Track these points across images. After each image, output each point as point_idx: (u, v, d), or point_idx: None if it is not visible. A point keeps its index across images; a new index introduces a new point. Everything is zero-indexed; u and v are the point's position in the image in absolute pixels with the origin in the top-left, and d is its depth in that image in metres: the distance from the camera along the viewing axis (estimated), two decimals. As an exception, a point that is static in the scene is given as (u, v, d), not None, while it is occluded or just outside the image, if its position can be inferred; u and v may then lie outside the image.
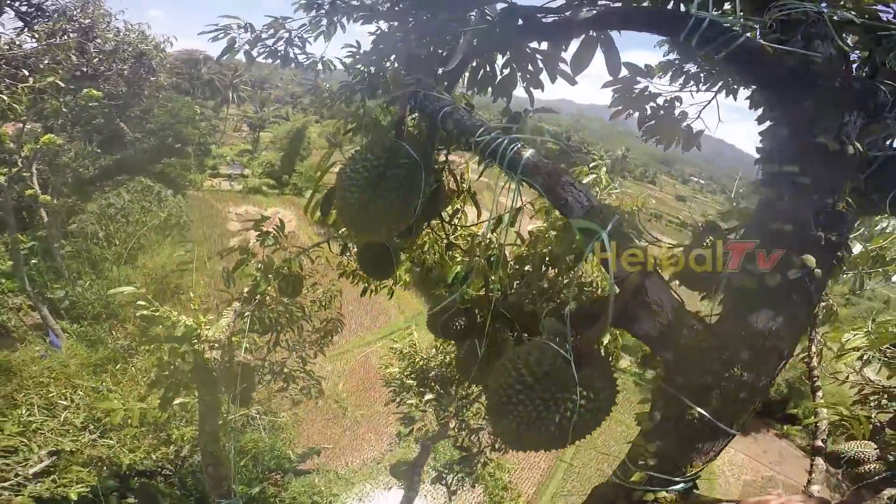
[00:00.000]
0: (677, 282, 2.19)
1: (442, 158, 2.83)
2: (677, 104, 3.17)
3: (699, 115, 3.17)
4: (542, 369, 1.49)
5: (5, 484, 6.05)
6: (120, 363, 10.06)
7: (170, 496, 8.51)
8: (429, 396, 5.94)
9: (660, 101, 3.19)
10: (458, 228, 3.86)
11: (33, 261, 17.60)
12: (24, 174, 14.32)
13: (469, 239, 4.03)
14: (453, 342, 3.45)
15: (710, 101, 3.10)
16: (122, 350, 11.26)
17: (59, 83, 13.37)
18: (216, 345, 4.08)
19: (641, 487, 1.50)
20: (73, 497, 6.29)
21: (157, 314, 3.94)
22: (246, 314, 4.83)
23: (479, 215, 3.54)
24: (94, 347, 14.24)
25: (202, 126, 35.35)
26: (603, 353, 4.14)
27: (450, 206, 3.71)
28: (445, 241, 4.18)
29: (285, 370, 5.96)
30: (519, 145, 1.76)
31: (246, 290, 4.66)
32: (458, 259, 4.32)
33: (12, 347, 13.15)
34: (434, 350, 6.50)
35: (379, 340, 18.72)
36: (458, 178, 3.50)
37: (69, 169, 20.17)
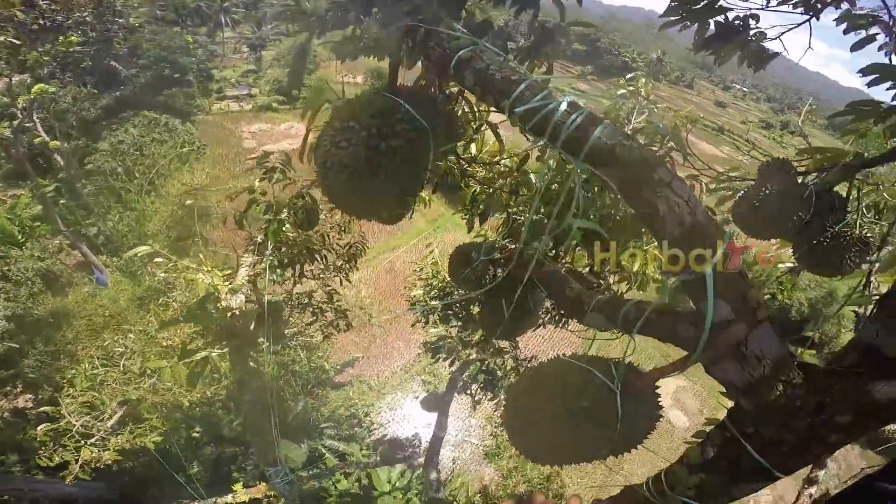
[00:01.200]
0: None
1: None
2: (753, 22, 2.50)
3: (779, 37, 2.50)
4: (580, 404, 1.30)
5: (92, 440, 6.19)
6: (161, 297, 10.21)
7: (229, 421, 9.03)
8: (454, 322, 5.86)
9: (731, 15, 2.50)
10: (474, 161, 3.52)
11: (62, 201, 17.69)
12: (27, 124, 14.28)
13: (487, 167, 3.72)
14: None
15: (802, 23, 2.39)
16: (161, 283, 11.41)
17: (14, 41, 13.26)
18: (237, 297, 4.00)
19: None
20: (151, 446, 6.47)
21: (175, 272, 3.81)
22: (264, 258, 4.69)
23: (501, 150, 3.17)
24: (137, 280, 14.56)
25: (198, 53, 33.80)
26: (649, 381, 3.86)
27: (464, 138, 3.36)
28: (460, 171, 3.87)
29: (313, 302, 5.89)
30: (583, 115, 1.21)
31: (259, 236, 4.50)
32: (474, 187, 4.04)
33: (63, 292, 13.49)
34: None
35: (402, 245, 18.61)
36: (475, 107, 3.10)
37: (70, 113, 19.99)
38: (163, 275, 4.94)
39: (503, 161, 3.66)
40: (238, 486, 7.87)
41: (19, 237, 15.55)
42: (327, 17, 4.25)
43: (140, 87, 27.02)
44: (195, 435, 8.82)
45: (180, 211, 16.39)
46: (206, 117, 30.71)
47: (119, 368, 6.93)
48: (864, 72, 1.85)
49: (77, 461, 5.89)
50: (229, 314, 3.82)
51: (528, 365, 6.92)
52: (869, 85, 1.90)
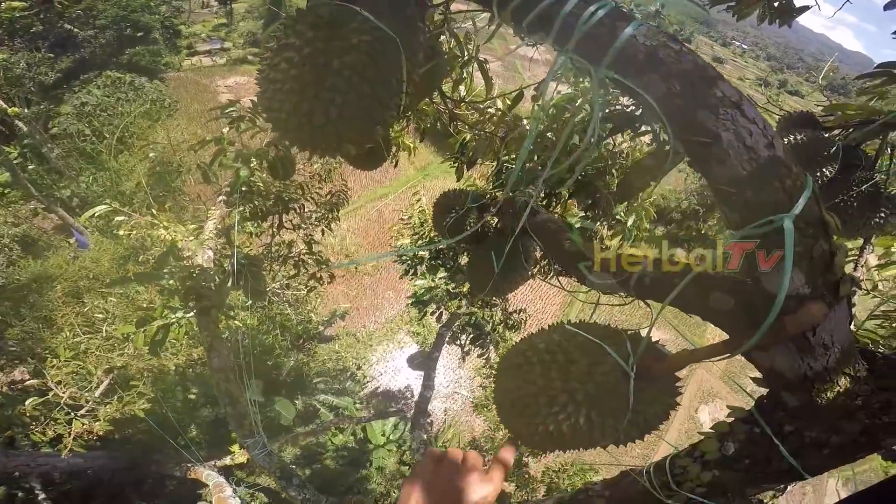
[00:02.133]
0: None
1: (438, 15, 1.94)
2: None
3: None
4: (585, 388, 1.03)
5: (82, 411, 5.97)
6: (141, 255, 9.81)
7: None
8: (442, 273, 5.62)
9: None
10: (462, 101, 3.21)
11: (30, 167, 16.97)
12: None
13: (476, 110, 3.42)
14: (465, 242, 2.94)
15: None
16: (140, 242, 10.98)
17: None
18: (204, 252, 3.70)
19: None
20: (141, 413, 6.22)
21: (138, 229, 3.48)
22: (235, 210, 4.39)
23: (489, 88, 2.85)
24: (119, 239, 14.02)
25: (161, 10, 31.93)
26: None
27: (451, 76, 3.03)
28: (447, 113, 3.56)
29: (292, 254, 5.58)
30: (606, 7, 0.88)
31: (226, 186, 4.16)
32: (465, 132, 3.75)
33: (43, 256, 12.97)
34: None
35: (391, 193, 18.15)
36: (462, 41, 2.76)
37: (27, 78, 19.24)
38: (121, 233, 4.60)
39: (494, 103, 3.38)
40: (235, 448, 7.81)
41: (-11, 205, 14.81)
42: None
43: (100, 48, 25.52)
44: (191, 397, 8.70)
45: (158, 168, 15.75)
46: (177, 74, 29.35)
47: (102, 335, 6.61)
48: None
49: (70, 434, 5.68)
50: (194, 272, 3.51)
51: (517, 317, 6.75)
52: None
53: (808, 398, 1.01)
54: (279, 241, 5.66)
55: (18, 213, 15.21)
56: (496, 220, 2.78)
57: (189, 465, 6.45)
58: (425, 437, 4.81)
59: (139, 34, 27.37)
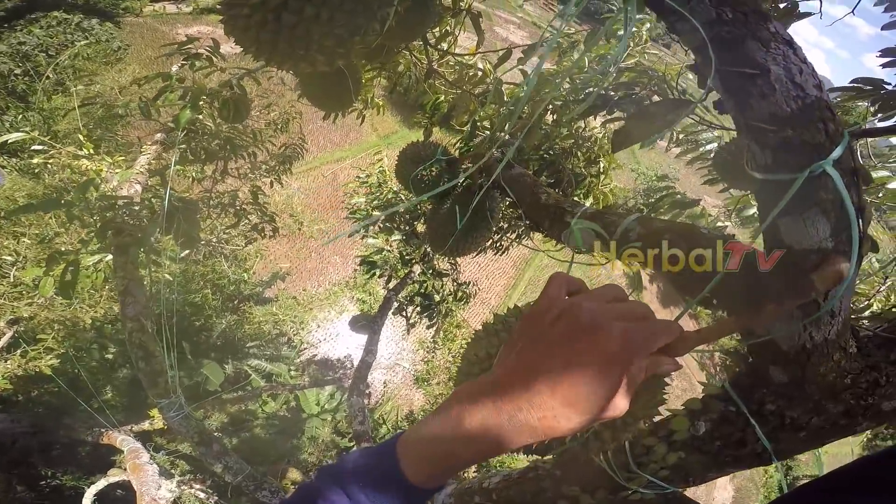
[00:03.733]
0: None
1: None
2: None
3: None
4: None
5: None
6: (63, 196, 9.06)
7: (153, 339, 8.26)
8: (396, 236, 5.46)
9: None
10: (447, 54, 3.06)
11: None
12: None
13: (457, 68, 3.27)
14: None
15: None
16: (63, 183, 10.19)
17: None
18: (132, 186, 3.40)
19: (637, 489, 1.15)
20: (47, 371, 5.66)
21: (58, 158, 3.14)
22: (175, 148, 4.08)
23: (479, 42, 2.72)
24: (39, 178, 13.00)
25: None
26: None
27: (439, 27, 2.88)
28: (426, 66, 3.40)
29: (236, 203, 5.26)
30: None
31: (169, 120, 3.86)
32: (441, 90, 3.61)
33: (-51, 194, 11.81)
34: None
35: (349, 157, 17.57)
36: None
37: None
38: (35, 160, 4.19)
39: (476, 62, 3.26)
40: (154, 412, 7.43)
41: None
42: None
43: None
44: (108, 356, 8.13)
45: (100, 111, 14.60)
46: (135, 19, 27.19)
47: (8, 280, 5.98)
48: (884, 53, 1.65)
49: None
50: (116, 203, 3.19)
51: (468, 289, 6.71)
52: (884, 66, 1.74)
53: (799, 374, 0.96)
54: (222, 189, 5.30)
55: None
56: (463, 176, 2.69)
57: (103, 430, 6.07)
58: (364, 402, 4.70)
59: (97, -27, 25.06)
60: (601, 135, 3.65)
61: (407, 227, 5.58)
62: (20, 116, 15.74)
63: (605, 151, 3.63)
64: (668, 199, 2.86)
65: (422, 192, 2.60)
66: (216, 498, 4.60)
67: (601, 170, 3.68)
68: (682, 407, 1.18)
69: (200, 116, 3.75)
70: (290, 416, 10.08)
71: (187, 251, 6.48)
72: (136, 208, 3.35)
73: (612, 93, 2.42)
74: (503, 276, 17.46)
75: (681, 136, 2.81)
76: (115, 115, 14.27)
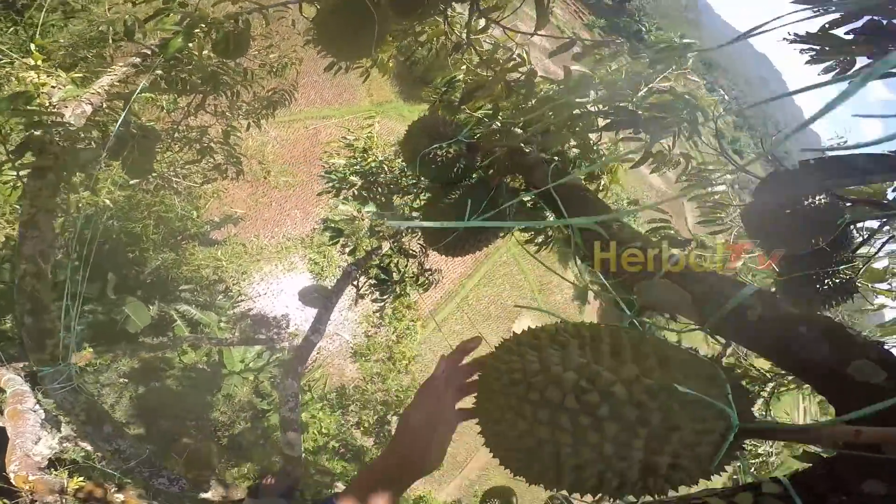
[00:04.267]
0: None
1: None
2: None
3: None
4: None
5: None
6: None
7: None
8: (370, 207, 4.99)
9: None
10: (487, 28, 2.65)
11: None
12: None
13: (490, 48, 2.87)
14: (430, 179, 2.45)
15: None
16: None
17: None
18: (80, 105, 2.84)
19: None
20: None
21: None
22: (149, 73, 3.61)
23: (540, 24, 2.29)
24: None
25: None
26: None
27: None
28: (456, 38, 3.00)
29: (204, 139, 4.77)
30: None
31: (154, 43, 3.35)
32: (464, 68, 3.19)
33: None
34: (394, 154, 5.45)
35: (336, 117, 16.74)
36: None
37: None
38: None
39: (514, 46, 2.86)
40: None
41: None
42: None
43: None
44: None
45: (91, 30, 13.19)
46: None
47: None
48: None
49: None
50: (45, 119, 2.63)
51: (432, 277, 6.33)
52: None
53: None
54: (193, 124, 4.89)
55: None
56: (484, 164, 2.33)
57: None
58: (297, 386, 4.23)
59: None
60: (609, 150, 3.36)
61: (384, 200, 5.16)
62: (10, 29, 14.15)
63: (610, 168, 3.35)
64: (660, 232, 2.66)
65: (429, 172, 2.22)
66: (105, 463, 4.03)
67: (600, 187, 3.39)
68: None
69: (191, 45, 3.30)
70: (210, 370, 9.43)
71: (136, 180, 5.87)
72: (73, 129, 2.78)
73: (640, 112, 2.12)
74: (461, 264, 17.25)
75: (690, 171, 2.61)
76: (104, 36, 12.90)
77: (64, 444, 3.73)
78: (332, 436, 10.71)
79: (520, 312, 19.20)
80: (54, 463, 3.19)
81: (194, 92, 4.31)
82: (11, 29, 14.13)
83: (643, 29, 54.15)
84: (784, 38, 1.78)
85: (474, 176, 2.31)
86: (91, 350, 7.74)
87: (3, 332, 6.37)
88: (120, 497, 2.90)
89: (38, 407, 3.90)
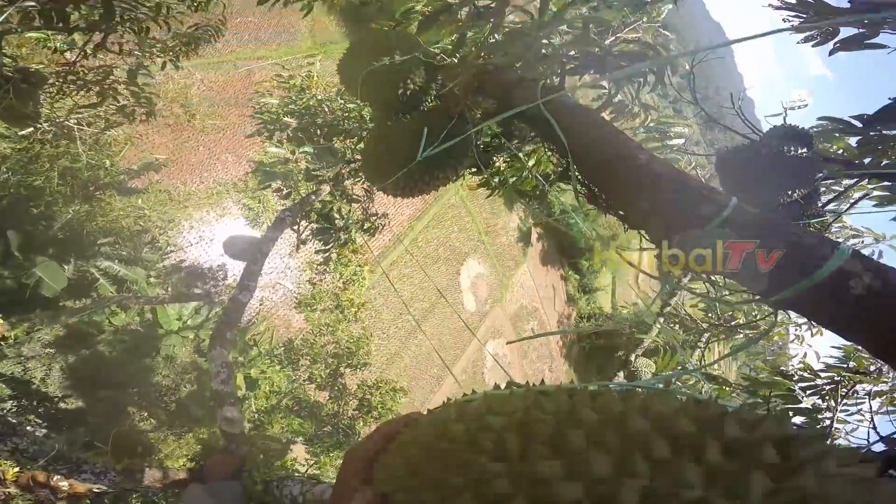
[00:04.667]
0: None
1: None
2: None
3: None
4: None
5: None
6: None
7: None
8: (307, 148, 4.42)
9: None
10: None
11: None
12: None
13: None
14: (375, 106, 1.98)
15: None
16: None
17: None
18: None
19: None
20: None
21: None
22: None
23: None
24: None
25: None
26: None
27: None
28: None
29: (106, 81, 4.03)
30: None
31: None
32: None
33: None
34: (335, 93, 4.79)
35: (273, 58, 15.17)
36: None
37: None
38: None
39: None
40: None
41: None
42: None
43: None
44: None
45: None
46: None
47: None
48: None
49: None
50: None
51: (377, 221, 5.87)
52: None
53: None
54: (93, 65, 4.18)
55: None
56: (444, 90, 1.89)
57: None
58: (227, 354, 3.72)
59: None
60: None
61: (322, 141, 4.56)
62: None
63: None
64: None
65: (375, 94, 1.77)
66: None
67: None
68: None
69: None
70: (144, 331, 8.69)
71: (24, 131, 5.02)
72: None
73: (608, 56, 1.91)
74: (410, 206, 16.79)
75: (650, 124, 2.62)
76: None
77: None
78: (284, 393, 10.33)
79: (467, 255, 19.11)
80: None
81: (91, 29, 3.66)
82: None
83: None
84: (769, 5, 1.73)
85: (429, 102, 1.89)
86: (2, 321, 6.93)
87: None
88: (65, 484, 2.56)
89: None
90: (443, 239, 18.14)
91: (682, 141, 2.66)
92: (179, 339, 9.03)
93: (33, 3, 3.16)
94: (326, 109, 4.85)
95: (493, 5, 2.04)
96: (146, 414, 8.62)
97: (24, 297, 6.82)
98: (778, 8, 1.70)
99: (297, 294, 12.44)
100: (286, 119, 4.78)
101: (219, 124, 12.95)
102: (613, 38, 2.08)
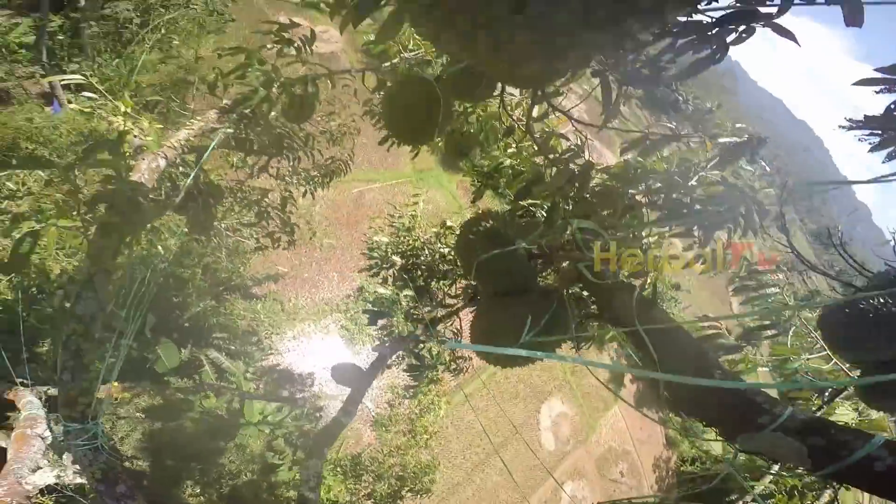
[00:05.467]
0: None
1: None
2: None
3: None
4: None
5: None
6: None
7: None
8: (408, 292, 4.82)
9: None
10: (548, 118, 2.48)
11: (59, 37, 15.31)
12: None
13: (545, 135, 2.68)
14: (484, 286, 2.20)
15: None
16: (108, 131, 9.62)
17: None
18: (155, 158, 2.78)
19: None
20: None
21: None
22: (222, 128, 3.60)
23: (608, 115, 2.10)
24: (90, 118, 12.46)
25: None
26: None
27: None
28: (508, 122, 2.83)
29: (263, 203, 4.77)
30: None
31: (231, 100, 3.39)
32: (510, 151, 3.02)
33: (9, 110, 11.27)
34: (435, 237, 5.32)
35: (380, 181, 16.98)
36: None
37: None
38: (73, 106, 3.71)
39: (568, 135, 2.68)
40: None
41: (-8, 56, 13.32)
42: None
43: None
44: (68, 304, 7.19)
45: (179, 72, 14.27)
46: None
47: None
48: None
49: None
50: (123, 175, 2.56)
51: (462, 364, 6.00)
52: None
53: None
54: (254, 185, 4.98)
55: (13, 71, 13.61)
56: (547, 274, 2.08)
57: (16, 382, 5.20)
58: (320, 465, 3.85)
59: (235, -53, 25.58)
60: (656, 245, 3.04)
61: (423, 284, 4.97)
62: (115, 61, 15.45)
63: (657, 264, 3.02)
64: (713, 339, 2.45)
65: (489, 282, 1.98)
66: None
67: (646, 284, 3.03)
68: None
69: (265, 104, 3.35)
70: (228, 418, 9.09)
71: (193, 236, 5.92)
72: (149, 187, 2.71)
73: (692, 205, 1.98)
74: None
75: (743, 273, 2.54)
76: (186, 80, 13.94)
77: (61, 478, 3.47)
78: (340, 503, 10.04)
79: (549, 394, 18.22)
80: (43, 490, 2.95)
81: (262, 154, 4.36)
82: (115, 61, 15.34)
83: (680, 99, 51.98)
84: (840, 127, 1.57)
85: (533, 285, 2.06)
86: (117, 384, 7.61)
87: (38, 355, 6.28)
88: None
89: (47, 433, 3.67)
90: (523, 376, 17.48)
91: (775, 289, 2.69)
92: (256, 432, 9.30)
93: (232, 130, 3.89)
94: (427, 252, 5.30)
95: (577, 170, 2.26)
96: (199, 490, 8.69)
97: (141, 368, 7.49)
98: (850, 128, 1.60)
99: (374, 413, 12.45)
100: (394, 257, 5.27)
101: (333, 243, 14.14)
102: (697, 177, 2.07)
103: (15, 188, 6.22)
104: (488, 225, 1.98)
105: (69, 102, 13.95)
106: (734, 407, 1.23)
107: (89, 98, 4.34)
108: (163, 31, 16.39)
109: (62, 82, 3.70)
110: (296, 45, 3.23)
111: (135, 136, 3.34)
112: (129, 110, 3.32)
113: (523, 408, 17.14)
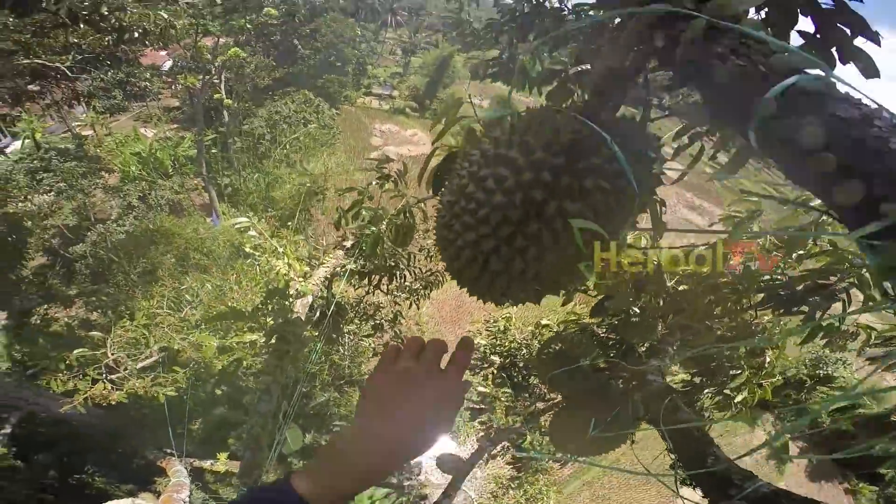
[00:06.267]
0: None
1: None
2: None
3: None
4: None
5: (114, 376, 5.55)
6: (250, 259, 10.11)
7: (252, 392, 8.45)
8: (506, 389, 5.13)
9: None
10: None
11: (213, 150, 18.92)
12: (215, 80, 16.48)
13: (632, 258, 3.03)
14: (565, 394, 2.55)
15: None
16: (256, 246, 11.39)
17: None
18: (304, 299, 3.55)
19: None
20: (161, 399, 5.68)
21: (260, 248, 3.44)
22: (347, 265, 4.34)
23: (658, 233, 2.43)
24: (243, 237, 14.67)
25: (362, 47, 35.39)
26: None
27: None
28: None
29: (376, 318, 5.48)
30: None
31: (350, 240, 4.14)
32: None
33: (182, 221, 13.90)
34: (531, 335, 5.67)
35: None
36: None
37: (249, 78, 21.21)
38: (247, 248, 4.62)
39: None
40: (223, 456, 7.30)
41: (170, 170, 17.14)
42: (481, 33, 3.84)
43: (308, 67, 28.72)
44: (218, 392, 8.40)
45: (302, 189, 16.76)
46: (349, 108, 31.94)
47: (179, 315, 6.39)
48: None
49: (87, 391, 5.24)
50: (290, 315, 3.37)
51: (562, 458, 6.01)
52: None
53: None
54: (371, 301, 5.59)
55: (184, 184, 16.83)
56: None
57: (166, 452, 6.02)
58: None
59: (338, 63, 30.53)
60: (772, 325, 2.88)
61: (520, 378, 5.27)
62: (255, 175, 18.56)
63: (774, 345, 2.92)
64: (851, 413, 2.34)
65: (557, 387, 2.33)
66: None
67: (765, 364, 2.97)
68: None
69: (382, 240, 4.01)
70: (341, 501, 9.54)
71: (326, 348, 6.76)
72: (301, 322, 3.51)
73: (794, 284, 1.94)
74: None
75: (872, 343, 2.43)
76: (314, 192, 15.97)
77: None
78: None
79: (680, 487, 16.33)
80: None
81: (374, 274, 4.88)
82: (256, 175, 18.10)
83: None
84: None
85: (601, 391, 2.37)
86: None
87: (190, 431, 7.10)
88: None
89: (187, 500, 4.34)
90: (647, 462, 15.97)
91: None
92: (363, 514, 9.57)
93: (356, 264, 4.58)
94: (525, 351, 5.59)
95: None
96: None
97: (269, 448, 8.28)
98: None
99: (476, 502, 12.20)
100: (492, 357, 5.64)
101: (442, 333, 14.78)
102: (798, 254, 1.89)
103: (191, 299, 7.45)
104: (556, 347, 2.36)
105: (222, 213, 16.62)
106: (720, 482, 1.60)
107: (243, 221, 5.09)
108: (287, 147, 19.39)
109: (232, 223, 4.61)
110: (392, 178, 3.46)
111: (294, 283, 4.15)
112: (289, 255, 4.13)
113: (656, 493, 15.36)
